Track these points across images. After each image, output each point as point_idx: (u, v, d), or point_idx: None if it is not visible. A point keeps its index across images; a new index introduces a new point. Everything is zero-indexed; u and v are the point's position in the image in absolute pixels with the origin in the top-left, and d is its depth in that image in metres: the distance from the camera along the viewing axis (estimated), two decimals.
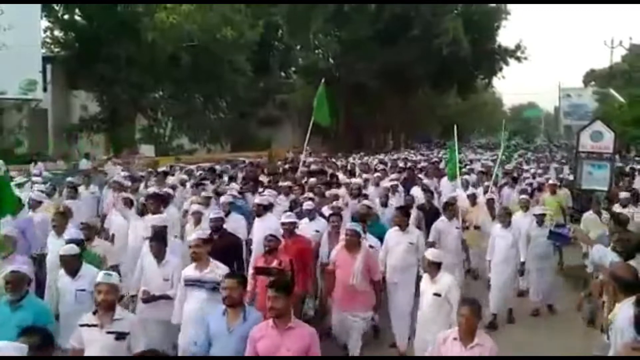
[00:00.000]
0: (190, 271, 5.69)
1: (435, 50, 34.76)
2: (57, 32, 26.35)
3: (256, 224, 8.30)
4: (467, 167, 19.34)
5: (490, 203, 11.01)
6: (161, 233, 6.61)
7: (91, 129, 27.13)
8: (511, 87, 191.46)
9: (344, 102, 38.35)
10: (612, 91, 32.32)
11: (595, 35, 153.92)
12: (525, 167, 21.29)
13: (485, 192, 11.82)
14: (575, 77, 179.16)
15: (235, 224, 8.23)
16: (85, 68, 24.56)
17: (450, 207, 8.82)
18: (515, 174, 15.81)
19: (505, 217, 8.58)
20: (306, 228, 8.04)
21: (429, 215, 9.76)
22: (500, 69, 43.14)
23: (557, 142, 53.55)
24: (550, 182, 12.83)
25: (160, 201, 8.59)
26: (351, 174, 15.30)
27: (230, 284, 4.65)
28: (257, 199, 8.78)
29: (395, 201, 10.71)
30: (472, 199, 10.76)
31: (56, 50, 26.52)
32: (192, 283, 5.60)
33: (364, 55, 34.67)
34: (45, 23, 25.18)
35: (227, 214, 8.27)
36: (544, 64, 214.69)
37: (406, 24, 34.38)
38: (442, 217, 8.72)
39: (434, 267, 5.94)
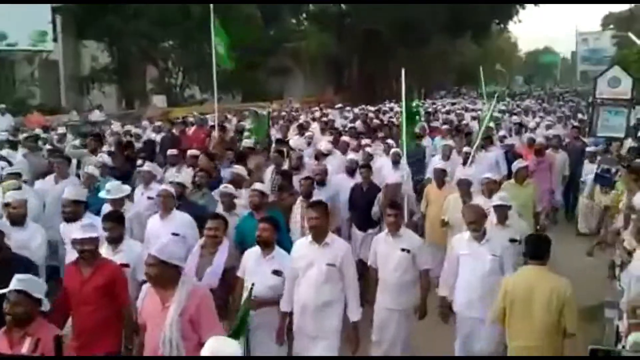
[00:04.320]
0: None
1: None
2: None
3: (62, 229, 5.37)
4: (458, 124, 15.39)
5: (463, 187, 6.68)
6: None
7: (102, 80, 27.04)
8: (527, 32, 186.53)
9: (356, 49, 37.70)
10: (632, 35, 31.28)
11: None
12: (528, 120, 17.92)
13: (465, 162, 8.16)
14: (593, 21, 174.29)
15: (27, 236, 5.03)
16: (94, 19, 24.22)
17: (393, 211, 5.07)
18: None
19: (477, 224, 4.84)
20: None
21: (361, 202, 6.73)
22: (517, 13, 42.02)
23: (570, 89, 52.14)
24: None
25: None
26: (301, 131, 11.71)
27: None
28: (67, 190, 5.40)
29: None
30: (440, 177, 7.22)
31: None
32: None
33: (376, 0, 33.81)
34: None
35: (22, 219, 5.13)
36: (561, 6, 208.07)
37: None
38: (386, 231, 5.19)
39: None
